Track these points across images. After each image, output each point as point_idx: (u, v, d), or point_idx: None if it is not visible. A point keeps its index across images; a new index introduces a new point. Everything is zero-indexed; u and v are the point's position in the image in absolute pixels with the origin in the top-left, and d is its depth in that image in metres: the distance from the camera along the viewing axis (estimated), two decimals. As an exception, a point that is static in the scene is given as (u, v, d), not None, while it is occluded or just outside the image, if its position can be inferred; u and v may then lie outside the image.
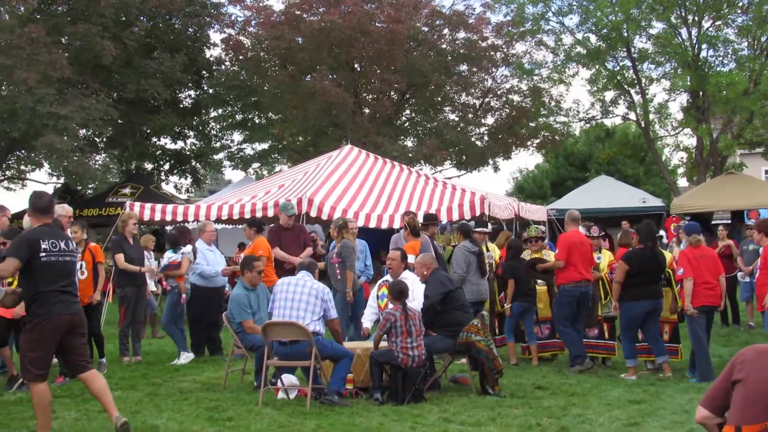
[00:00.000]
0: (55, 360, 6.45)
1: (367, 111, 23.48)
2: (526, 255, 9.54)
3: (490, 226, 11.64)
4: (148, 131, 22.94)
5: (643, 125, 22.62)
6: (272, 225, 11.58)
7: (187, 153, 25.05)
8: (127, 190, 19.99)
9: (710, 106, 20.49)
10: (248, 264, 8.15)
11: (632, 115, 23.00)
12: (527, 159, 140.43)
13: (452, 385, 7.93)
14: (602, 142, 34.36)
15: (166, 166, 25.26)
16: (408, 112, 26.08)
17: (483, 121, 25.48)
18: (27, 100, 16.48)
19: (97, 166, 22.49)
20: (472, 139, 24.92)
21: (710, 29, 20.78)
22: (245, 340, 7.84)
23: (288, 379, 7.43)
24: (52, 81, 17.30)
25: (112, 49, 17.77)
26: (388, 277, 8.36)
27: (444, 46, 23.86)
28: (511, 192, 40.22)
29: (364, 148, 16.65)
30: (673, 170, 30.27)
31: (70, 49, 18.73)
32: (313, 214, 12.19)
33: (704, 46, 20.72)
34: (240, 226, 14.36)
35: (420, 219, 10.68)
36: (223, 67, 23.87)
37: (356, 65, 23.35)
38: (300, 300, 7.20)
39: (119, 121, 20.58)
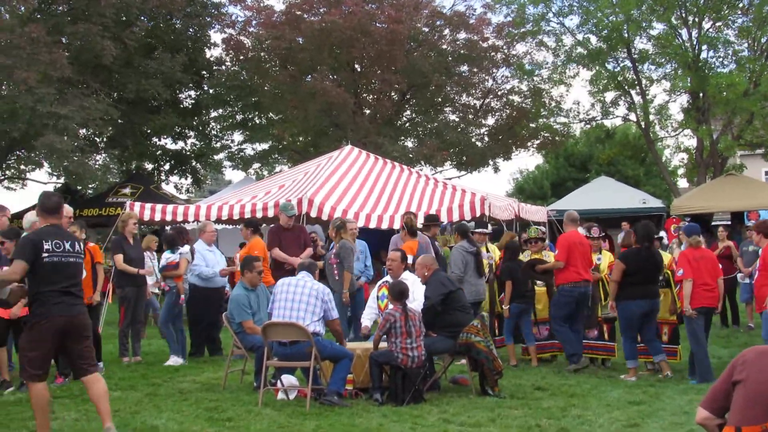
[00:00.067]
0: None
1: (367, 111, 23.48)
2: (526, 256, 9.54)
3: (490, 226, 11.65)
4: (149, 131, 22.91)
5: (643, 126, 22.60)
6: (272, 225, 11.57)
7: (188, 153, 25.04)
8: (127, 190, 19.97)
9: (710, 107, 20.48)
10: (248, 264, 8.15)
11: (632, 116, 22.96)
12: (527, 160, 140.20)
13: (452, 385, 7.93)
14: (602, 143, 34.28)
15: (167, 166, 25.25)
16: (408, 112, 26.08)
17: (483, 121, 25.49)
18: (27, 99, 16.47)
19: (97, 166, 22.42)
20: (473, 140, 24.93)
21: (710, 30, 20.78)
22: (245, 341, 7.84)
23: (288, 379, 7.42)
24: (52, 81, 17.30)
25: (112, 49, 17.77)
26: (388, 278, 8.36)
27: (444, 46, 23.85)
28: (511, 193, 40.15)
29: (365, 149, 16.65)
30: (674, 171, 30.29)
31: (70, 49, 18.74)
32: (314, 214, 12.18)
33: (704, 47, 20.70)
34: (240, 227, 14.35)
35: (421, 220, 10.68)
36: (223, 67, 23.87)
37: (357, 65, 23.36)
38: (300, 301, 7.20)
39: (119, 121, 20.57)
